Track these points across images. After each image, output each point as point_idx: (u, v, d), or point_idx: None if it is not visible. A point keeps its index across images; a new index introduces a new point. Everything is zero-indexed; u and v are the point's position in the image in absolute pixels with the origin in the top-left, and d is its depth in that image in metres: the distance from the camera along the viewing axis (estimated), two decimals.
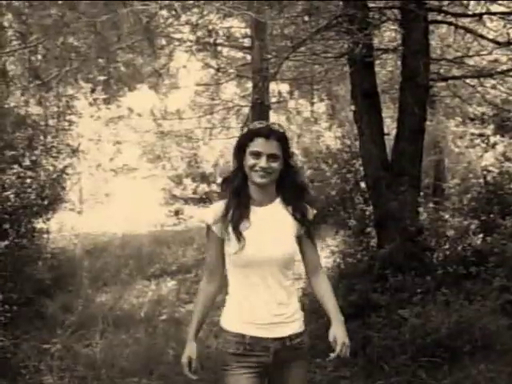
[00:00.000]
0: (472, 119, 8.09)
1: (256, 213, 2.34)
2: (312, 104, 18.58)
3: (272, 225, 2.35)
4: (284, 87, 15.28)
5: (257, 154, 2.28)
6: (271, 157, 2.29)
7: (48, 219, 8.93)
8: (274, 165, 2.30)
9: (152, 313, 6.91)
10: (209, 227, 2.35)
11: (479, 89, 7.63)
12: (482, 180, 7.66)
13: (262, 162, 2.28)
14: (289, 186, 2.41)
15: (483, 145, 10.17)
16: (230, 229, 2.29)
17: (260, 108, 9.91)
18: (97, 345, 5.61)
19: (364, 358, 4.99)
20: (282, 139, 2.34)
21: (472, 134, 8.97)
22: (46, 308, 6.71)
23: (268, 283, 2.32)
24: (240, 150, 2.36)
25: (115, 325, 6.26)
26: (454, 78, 7.26)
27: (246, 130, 2.42)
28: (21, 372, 4.84)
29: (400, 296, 5.54)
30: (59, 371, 4.89)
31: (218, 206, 2.35)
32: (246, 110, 11.01)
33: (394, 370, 4.76)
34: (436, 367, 4.70)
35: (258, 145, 2.29)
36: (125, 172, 22.16)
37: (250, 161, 2.30)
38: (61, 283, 7.78)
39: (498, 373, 4.52)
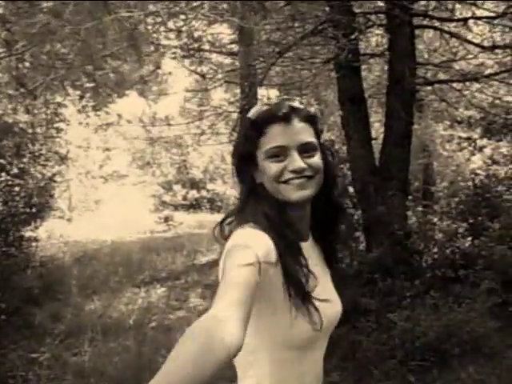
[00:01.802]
0: (459, 122, 8.13)
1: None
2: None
3: (323, 273, 1.53)
4: (273, 93, 15.28)
5: (278, 153, 1.40)
6: (305, 148, 1.41)
7: (36, 227, 8.89)
8: (315, 160, 1.42)
9: (141, 320, 6.87)
10: (256, 264, 1.20)
11: (465, 92, 7.68)
12: (470, 183, 7.70)
13: (294, 162, 1.38)
14: (321, 204, 1.50)
15: (471, 148, 10.24)
16: (292, 295, 1.34)
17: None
18: (86, 353, 5.58)
19: (354, 362, 5.00)
20: (311, 118, 1.46)
21: (460, 138, 9.02)
22: (35, 317, 6.65)
23: (318, 367, 1.53)
24: (245, 158, 1.46)
25: (104, 333, 6.22)
26: (441, 81, 7.32)
27: (245, 122, 1.48)
28: (8, 382, 4.80)
29: (389, 300, 5.57)
30: (47, 381, 4.85)
31: (268, 245, 1.30)
32: (235, 116, 11.02)
33: (383, 374, 4.76)
34: (425, 371, 4.71)
35: (275, 136, 1.40)
36: (114, 179, 22.10)
37: (270, 169, 1.40)
38: (49, 292, 7.72)
39: (487, 375, 4.54)
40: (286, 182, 1.39)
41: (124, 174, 22.56)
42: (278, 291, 1.33)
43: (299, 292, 1.34)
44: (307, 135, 1.41)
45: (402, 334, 4.99)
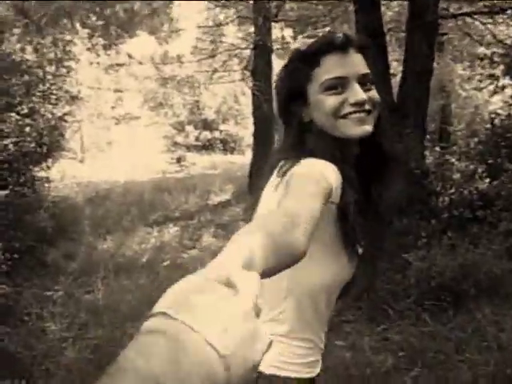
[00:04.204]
0: (481, 59, 7.81)
1: None
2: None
3: None
4: (287, 32, 14.99)
5: (337, 85, 1.27)
6: (363, 80, 1.29)
7: (48, 167, 8.85)
8: (373, 93, 1.30)
9: (154, 259, 6.88)
10: (329, 193, 1.09)
11: (490, 27, 7.33)
12: (489, 125, 7.47)
13: (356, 94, 1.25)
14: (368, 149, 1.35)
15: (492, 87, 9.91)
16: (342, 239, 1.27)
17: (262, 50, 9.62)
18: (99, 291, 5.59)
19: (368, 301, 4.95)
20: (365, 49, 1.34)
21: (481, 75, 8.67)
22: (48, 256, 6.68)
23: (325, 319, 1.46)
24: (294, 93, 1.33)
25: (117, 271, 6.23)
26: (464, 14, 6.97)
27: (293, 54, 1.35)
28: (23, 319, 4.83)
29: (404, 240, 5.47)
30: (61, 318, 4.87)
31: (338, 178, 1.17)
32: (248, 53, 10.72)
33: (398, 314, 4.72)
34: (440, 311, 4.65)
35: (333, 67, 1.27)
36: (126, 120, 22.00)
37: (328, 102, 1.27)
38: (63, 231, 7.73)
39: (502, 316, 4.47)
40: (345, 116, 1.26)
41: (136, 115, 22.42)
42: (326, 231, 1.23)
43: (350, 239, 1.26)
44: (365, 66, 1.30)
45: (418, 273, 4.91)
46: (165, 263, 6.73)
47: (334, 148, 1.26)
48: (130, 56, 19.84)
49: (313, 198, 1.00)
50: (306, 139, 1.30)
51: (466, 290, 4.74)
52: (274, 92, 1.41)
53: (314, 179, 1.07)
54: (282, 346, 1.34)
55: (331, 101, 1.26)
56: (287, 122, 1.36)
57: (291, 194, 1.01)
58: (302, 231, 0.89)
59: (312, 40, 1.31)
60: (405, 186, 5.71)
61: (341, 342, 4.41)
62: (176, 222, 8.73)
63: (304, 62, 1.30)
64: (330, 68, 1.27)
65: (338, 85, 1.26)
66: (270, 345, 0.53)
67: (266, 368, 1.30)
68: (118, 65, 18.11)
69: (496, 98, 13.60)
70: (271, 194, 1.23)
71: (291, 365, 1.36)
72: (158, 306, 0.51)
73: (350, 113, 1.25)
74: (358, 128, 1.25)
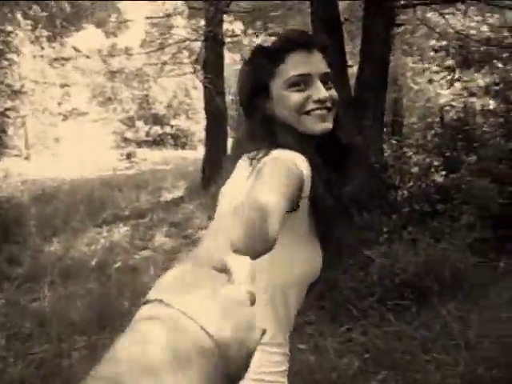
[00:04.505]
0: (436, 51, 7.76)
1: None
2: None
3: None
4: (237, 26, 14.87)
5: (301, 81, 1.31)
6: (325, 78, 1.34)
7: None
8: (334, 92, 1.35)
9: (105, 261, 6.54)
10: (301, 181, 1.14)
11: (447, 17, 7.26)
12: (438, 118, 7.44)
13: (319, 91, 1.30)
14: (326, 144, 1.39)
15: (447, 79, 9.93)
16: (316, 229, 1.29)
17: (213, 43, 9.35)
18: (45, 298, 5.24)
19: (330, 300, 4.78)
20: (326, 48, 1.38)
21: (439, 66, 8.63)
22: None
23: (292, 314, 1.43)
24: (257, 89, 1.36)
25: (65, 276, 5.88)
26: (423, 4, 6.84)
27: (257, 50, 1.37)
28: None
29: (366, 235, 5.33)
30: (4, 329, 4.51)
31: (308, 168, 1.18)
32: (198, 46, 10.42)
33: (361, 313, 4.56)
34: (404, 309, 4.52)
35: (297, 64, 1.31)
36: (74, 116, 21.39)
37: (292, 98, 1.30)
38: (7, 234, 7.30)
39: (467, 312, 4.37)
40: (308, 112, 1.30)
41: (84, 110, 21.82)
42: (301, 222, 1.24)
43: (323, 229, 1.29)
44: (326, 65, 1.35)
45: (380, 270, 4.77)
46: (115, 265, 6.42)
47: (301, 140, 1.28)
48: (76, 49, 19.29)
49: (284, 187, 1.03)
50: (275, 131, 1.31)
51: (430, 286, 4.63)
52: (237, 86, 1.42)
53: (286, 167, 1.09)
54: (260, 355, 1.27)
55: (296, 97, 1.30)
56: (250, 116, 1.37)
57: (263, 183, 1.02)
58: (275, 220, 0.93)
59: (274, 37, 1.35)
60: (365, 180, 5.57)
61: (304, 346, 4.23)
62: (126, 221, 8.37)
63: (268, 59, 1.33)
64: (296, 65, 1.30)
65: (301, 82, 1.30)
66: (263, 333, 0.52)
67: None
68: (63, 58, 17.52)
69: (447, 91, 13.72)
70: (243, 184, 1.20)
71: (270, 375, 1.29)
72: (153, 294, 0.49)
73: (313, 109, 1.30)
74: (320, 124, 1.30)
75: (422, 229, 5.40)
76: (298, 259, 1.27)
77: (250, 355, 0.50)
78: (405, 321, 4.40)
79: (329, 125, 1.30)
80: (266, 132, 1.31)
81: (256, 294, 0.59)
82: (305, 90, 1.30)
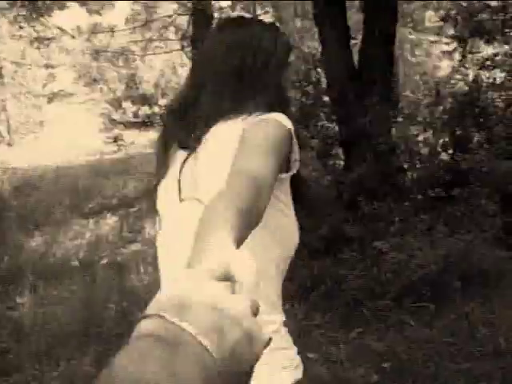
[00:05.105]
0: (444, 20, 7.20)
1: None
2: (256, 17, 17.95)
3: None
4: (225, 2, 14.42)
5: None
6: None
7: None
8: None
9: (90, 257, 6.03)
10: (289, 135, 1.17)
11: None
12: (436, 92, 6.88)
13: None
14: None
15: (446, 52, 9.38)
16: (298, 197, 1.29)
17: (202, 17, 8.72)
18: (24, 305, 4.73)
19: (339, 301, 4.30)
20: None
21: (448, 37, 8.04)
22: None
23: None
24: None
25: (46, 276, 5.38)
26: None
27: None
28: None
29: (375, 226, 4.83)
30: None
31: (289, 120, 1.19)
32: (185, 22, 9.79)
33: (374, 315, 4.09)
34: (423, 310, 4.05)
35: None
36: (59, 98, 20.77)
37: None
38: None
39: (494, 315, 3.90)
40: None
41: (70, 92, 21.20)
42: (287, 191, 1.24)
43: (304, 196, 1.32)
44: None
45: (394, 266, 4.29)
46: (102, 262, 5.92)
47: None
48: (60, 29, 18.67)
49: (276, 150, 1.05)
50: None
51: (449, 283, 4.15)
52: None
53: (274, 126, 1.12)
54: (278, 339, 1.22)
55: None
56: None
57: (250, 151, 1.02)
58: (266, 194, 0.94)
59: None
60: (372, 165, 5.07)
61: (313, 355, 3.76)
62: (114, 211, 7.82)
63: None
64: None
65: None
66: (268, 343, 0.51)
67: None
68: (47, 38, 16.89)
69: (445, 63, 13.19)
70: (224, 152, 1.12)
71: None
72: (152, 308, 0.48)
73: None
74: None
75: (435, 216, 4.92)
76: (294, 225, 1.26)
77: (252, 367, 0.50)
78: (423, 322, 3.94)
79: None
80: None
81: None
82: None
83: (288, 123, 1.14)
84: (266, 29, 1.37)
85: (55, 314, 4.51)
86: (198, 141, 1.22)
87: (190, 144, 1.22)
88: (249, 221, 0.82)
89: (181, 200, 1.23)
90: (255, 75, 1.29)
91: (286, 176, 1.18)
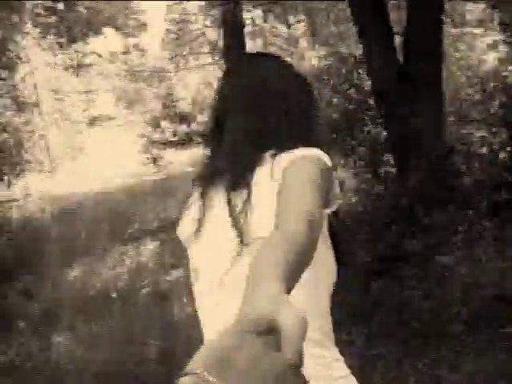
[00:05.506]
0: (494, 6, 6.66)
1: None
2: (289, 26, 17.81)
3: None
4: (257, 13, 14.19)
5: None
6: None
7: (9, 185, 7.73)
8: None
9: (131, 286, 5.71)
10: (329, 171, 1.15)
11: None
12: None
13: None
14: None
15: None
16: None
17: (233, 28, 8.36)
18: (59, 345, 4.42)
19: (402, 327, 3.82)
20: None
21: (491, 29, 7.44)
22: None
23: None
24: None
25: (86, 311, 5.08)
26: None
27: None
28: None
29: (437, 238, 4.33)
30: None
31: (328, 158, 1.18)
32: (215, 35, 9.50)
33: (444, 342, 3.60)
34: (501, 333, 3.54)
35: None
36: (98, 122, 20.93)
37: None
38: (22, 262, 6.54)
39: None
40: None
41: (109, 115, 21.35)
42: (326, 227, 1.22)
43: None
44: None
45: (463, 284, 3.79)
46: (143, 291, 5.60)
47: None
48: (98, 55, 18.80)
49: (320, 188, 1.03)
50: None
51: None
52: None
53: (316, 165, 1.11)
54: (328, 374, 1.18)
55: None
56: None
57: (295, 187, 1.03)
58: (318, 231, 0.93)
59: None
60: (428, 171, 4.58)
61: None
62: (155, 236, 7.48)
63: None
64: None
65: None
66: None
67: None
68: (83, 65, 16.99)
69: (491, 56, 12.54)
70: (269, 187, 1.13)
71: None
72: (191, 366, 0.48)
73: None
74: None
75: (502, 222, 4.40)
76: (333, 258, 1.25)
77: None
78: (505, 349, 3.43)
79: None
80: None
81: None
82: None
83: (327, 160, 1.15)
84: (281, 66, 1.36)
85: (93, 354, 4.18)
86: (244, 181, 1.19)
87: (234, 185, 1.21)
88: (303, 261, 0.80)
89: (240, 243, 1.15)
90: (296, 114, 1.29)
91: (328, 212, 1.18)
